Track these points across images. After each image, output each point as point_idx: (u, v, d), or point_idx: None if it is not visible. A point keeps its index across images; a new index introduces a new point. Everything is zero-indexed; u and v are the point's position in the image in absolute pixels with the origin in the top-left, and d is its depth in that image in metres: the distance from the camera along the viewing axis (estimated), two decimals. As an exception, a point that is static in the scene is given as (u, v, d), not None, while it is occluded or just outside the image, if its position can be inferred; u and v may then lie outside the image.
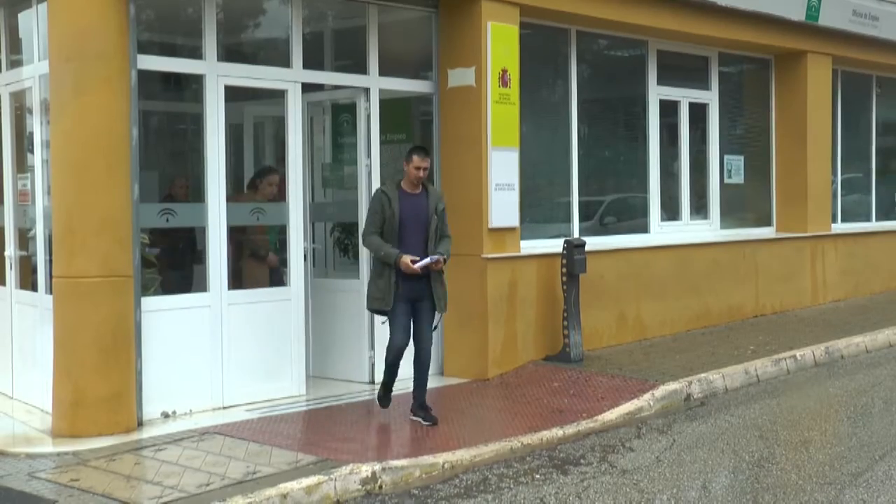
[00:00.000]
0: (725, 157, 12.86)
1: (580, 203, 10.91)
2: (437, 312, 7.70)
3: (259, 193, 8.89)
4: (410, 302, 7.56)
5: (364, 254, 9.06)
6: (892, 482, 6.38)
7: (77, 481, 6.18)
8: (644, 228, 11.76)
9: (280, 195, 8.73)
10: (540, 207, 10.72)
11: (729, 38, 12.03)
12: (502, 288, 9.36)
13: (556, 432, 7.44)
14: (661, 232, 11.84)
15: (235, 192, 9.17)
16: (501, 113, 9.27)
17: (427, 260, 7.45)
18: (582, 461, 6.95)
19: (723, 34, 11.87)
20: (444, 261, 7.56)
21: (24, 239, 8.75)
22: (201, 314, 7.94)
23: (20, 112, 8.82)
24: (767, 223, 13.58)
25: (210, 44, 7.97)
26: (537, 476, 6.59)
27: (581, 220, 10.89)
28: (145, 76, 7.79)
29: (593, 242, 10.29)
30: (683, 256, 11.68)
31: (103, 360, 7.28)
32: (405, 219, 7.50)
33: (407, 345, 7.62)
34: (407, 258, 7.39)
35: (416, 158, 7.49)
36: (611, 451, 7.21)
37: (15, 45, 8.88)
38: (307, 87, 8.77)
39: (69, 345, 7.30)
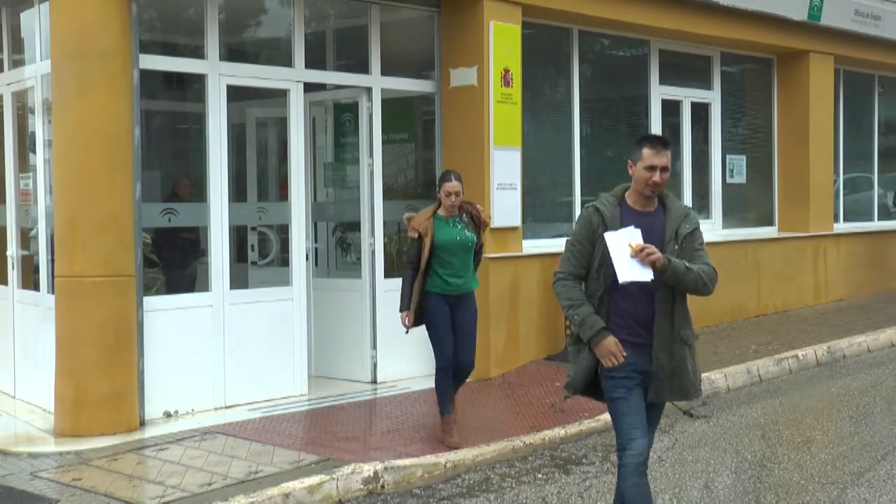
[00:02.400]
0: (727, 156, 12.86)
1: (582, 202, 10.89)
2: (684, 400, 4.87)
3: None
4: (643, 383, 4.69)
5: (366, 253, 9.07)
6: (894, 482, 6.37)
7: (79, 481, 6.18)
8: (646, 228, 11.73)
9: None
10: (542, 207, 10.72)
11: (731, 37, 12.02)
12: (504, 287, 9.36)
13: (559, 432, 7.44)
14: (662, 231, 11.82)
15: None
16: (503, 112, 9.27)
17: None
18: (584, 460, 6.95)
19: (725, 34, 11.86)
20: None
21: (26, 238, 8.76)
22: (203, 314, 7.94)
23: (22, 112, 8.82)
24: (769, 223, 13.57)
25: (212, 43, 7.97)
26: (539, 475, 6.59)
27: (583, 219, 10.88)
28: (147, 76, 7.80)
29: (595, 242, 10.27)
30: (685, 256, 11.64)
31: (105, 360, 7.28)
32: None
33: (647, 456, 4.69)
34: (613, 345, 4.59)
35: (646, 153, 4.66)
36: (612, 450, 7.17)
37: (17, 44, 8.89)
38: (309, 87, 8.76)
39: (71, 344, 7.30)
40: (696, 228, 4.77)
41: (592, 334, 4.61)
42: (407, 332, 7.23)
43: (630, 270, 4.50)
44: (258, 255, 9.20)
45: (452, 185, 7.08)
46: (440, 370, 7.17)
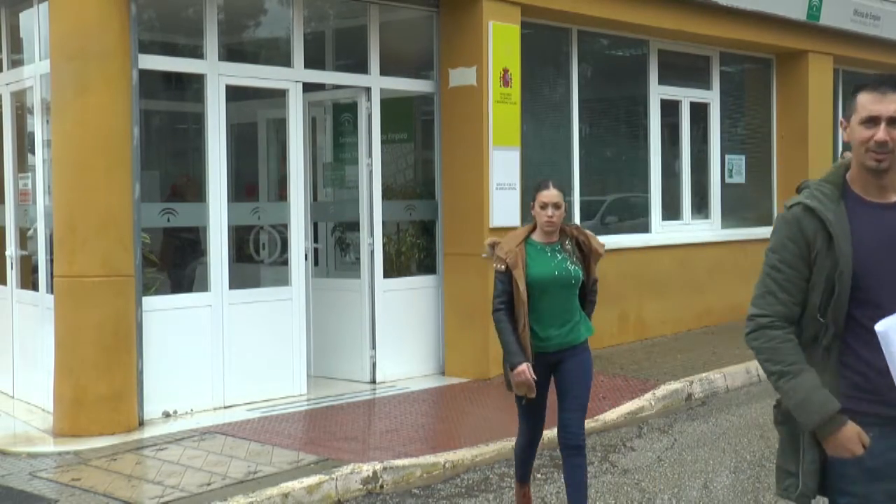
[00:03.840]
0: (727, 156, 12.86)
1: (581, 202, 10.90)
2: None
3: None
4: None
5: (365, 253, 9.06)
6: (894, 482, 6.37)
7: (78, 481, 6.18)
8: (645, 228, 11.76)
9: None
10: (541, 207, 10.71)
11: (730, 37, 12.02)
12: (503, 287, 9.34)
13: (558, 432, 7.43)
14: (662, 231, 11.84)
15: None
16: (502, 112, 9.27)
17: None
18: (583, 461, 6.95)
19: (724, 34, 11.87)
20: None
21: (25, 238, 8.75)
22: (202, 314, 7.94)
23: (21, 111, 8.83)
24: (769, 222, 13.54)
25: (211, 43, 7.97)
26: (539, 475, 6.58)
27: (582, 219, 10.88)
28: (146, 75, 7.80)
29: (594, 242, 10.27)
30: (684, 256, 11.67)
31: (104, 360, 7.28)
32: (869, 267, 3.01)
33: None
34: (854, 439, 2.96)
35: (862, 99, 3.07)
36: (612, 450, 7.21)
37: (16, 44, 8.89)
38: (308, 87, 8.77)
39: (70, 344, 7.30)
40: None
41: (820, 422, 2.95)
42: (527, 398, 5.43)
43: None
44: (268, 254, 9.21)
45: (550, 193, 5.29)
46: (520, 442, 5.69)
